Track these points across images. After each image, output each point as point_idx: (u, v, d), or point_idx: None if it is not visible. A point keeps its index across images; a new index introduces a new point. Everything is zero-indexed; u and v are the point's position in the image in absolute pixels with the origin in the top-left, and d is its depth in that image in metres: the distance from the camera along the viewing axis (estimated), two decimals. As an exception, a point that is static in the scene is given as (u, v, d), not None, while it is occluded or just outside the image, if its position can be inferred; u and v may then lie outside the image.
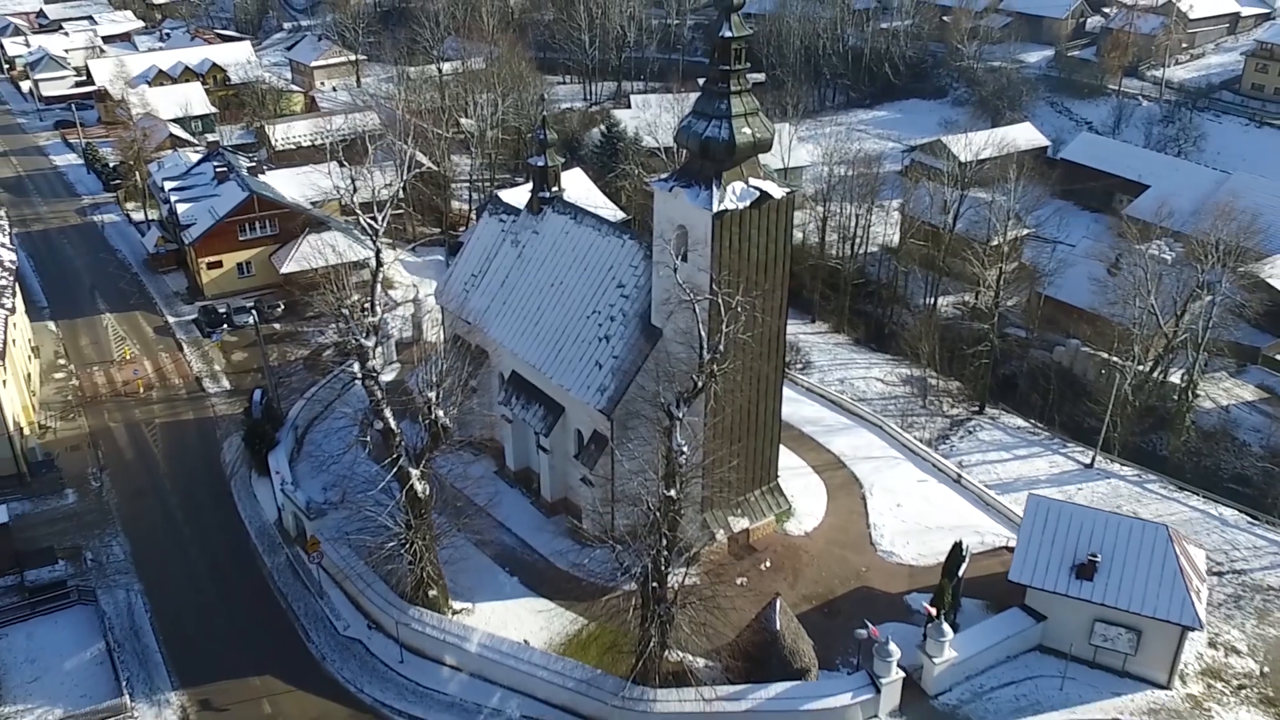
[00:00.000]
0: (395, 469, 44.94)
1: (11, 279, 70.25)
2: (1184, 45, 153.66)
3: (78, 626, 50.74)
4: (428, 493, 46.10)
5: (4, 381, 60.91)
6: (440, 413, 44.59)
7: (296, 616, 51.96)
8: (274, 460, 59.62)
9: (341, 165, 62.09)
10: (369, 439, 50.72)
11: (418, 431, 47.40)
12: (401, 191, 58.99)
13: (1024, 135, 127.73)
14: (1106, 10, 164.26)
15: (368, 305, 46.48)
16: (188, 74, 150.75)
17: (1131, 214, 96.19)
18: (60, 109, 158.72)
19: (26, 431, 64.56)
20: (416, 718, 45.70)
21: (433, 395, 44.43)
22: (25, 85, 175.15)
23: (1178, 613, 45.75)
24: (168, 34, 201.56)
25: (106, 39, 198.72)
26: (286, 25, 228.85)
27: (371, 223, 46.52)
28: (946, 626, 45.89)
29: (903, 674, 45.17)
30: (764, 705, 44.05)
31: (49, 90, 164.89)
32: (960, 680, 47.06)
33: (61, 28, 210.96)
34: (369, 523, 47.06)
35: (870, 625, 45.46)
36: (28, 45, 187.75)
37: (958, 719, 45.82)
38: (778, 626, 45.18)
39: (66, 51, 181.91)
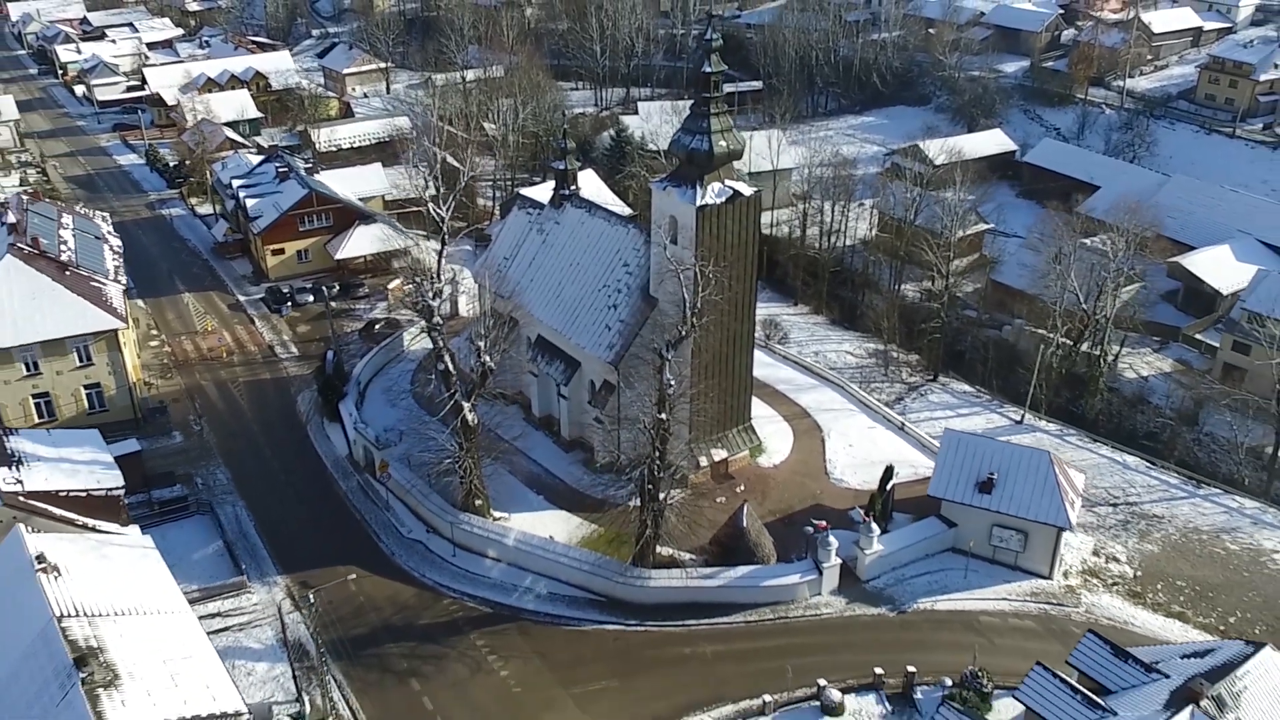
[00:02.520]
0: (452, 402, 58.70)
1: (122, 261, 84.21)
2: (1149, 57, 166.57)
3: (199, 530, 64.68)
4: (476, 421, 59.87)
5: (124, 344, 74.82)
6: (487, 357, 58.39)
7: (369, 524, 65.91)
8: (345, 406, 73.60)
9: (416, 168, 75.34)
10: (433, 379, 64.38)
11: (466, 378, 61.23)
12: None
13: (995, 140, 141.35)
14: (1080, 24, 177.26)
15: (434, 275, 60.13)
16: (234, 81, 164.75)
17: (1081, 211, 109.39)
18: (114, 112, 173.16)
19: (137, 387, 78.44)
20: (467, 593, 59.52)
21: (481, 344, 58.23)
22: (79, 90, 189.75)
23: (1054, 517, 59.33)
24: (207, 41, 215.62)
25: (149, 45, 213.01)
26: (315, 32, 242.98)
27: (440, 211, 60.27)
28: (875, 526, 59.60)
29: (840, 561, 58.80)
30: (732, 582, 57.90)
31: (103, 95, 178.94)
32: (887, 570, 60.70)
33: (105, 34, 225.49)
34: (430, 445, 61.03)
35: (818, 522, 59.25)
36: (79, 52, 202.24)
37: (883, 598, 59.48)
38: (745, 524, 58.94)
39: (115, 58, 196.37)
